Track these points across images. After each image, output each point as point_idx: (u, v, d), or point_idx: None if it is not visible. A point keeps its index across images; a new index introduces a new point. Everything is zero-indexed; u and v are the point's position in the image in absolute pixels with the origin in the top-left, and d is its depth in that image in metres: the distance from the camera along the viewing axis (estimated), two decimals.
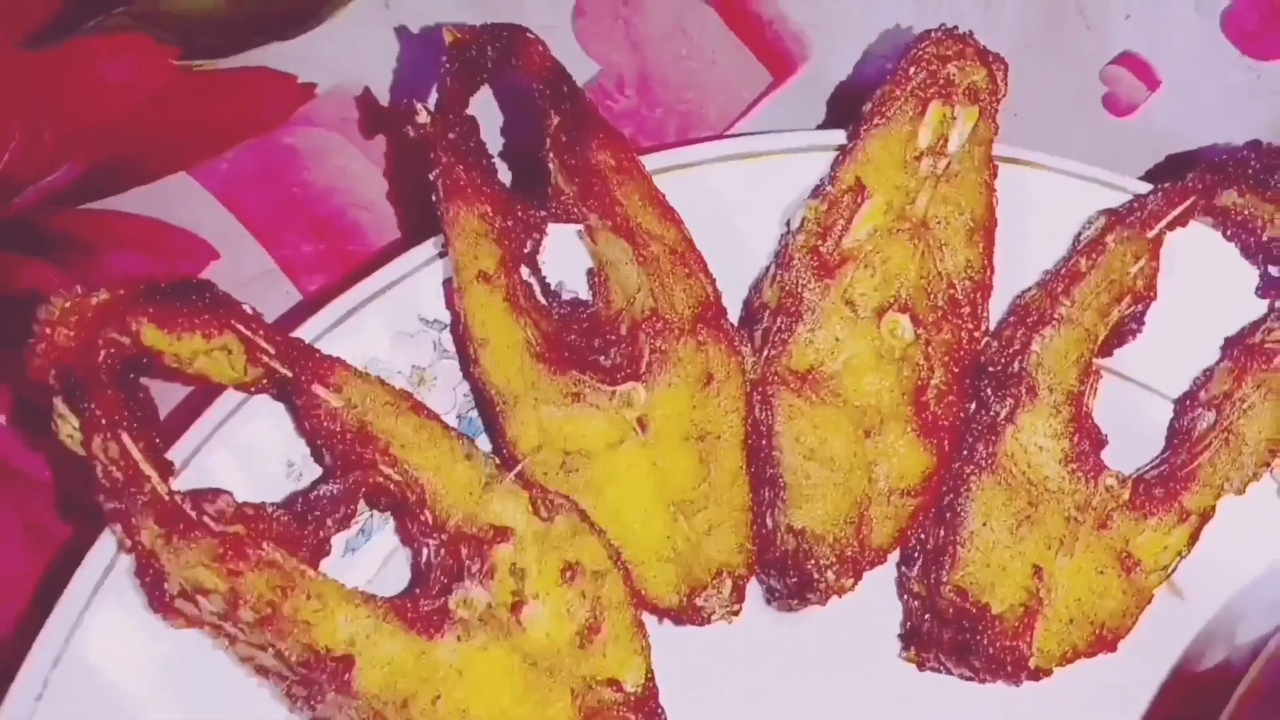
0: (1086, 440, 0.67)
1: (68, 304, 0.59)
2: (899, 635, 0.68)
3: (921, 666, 0.66)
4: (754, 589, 0.67)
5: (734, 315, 0.68)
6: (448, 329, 0.67)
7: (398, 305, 0.66)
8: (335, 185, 0.75)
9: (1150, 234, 0.68)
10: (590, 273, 0.68)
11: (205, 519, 0.59)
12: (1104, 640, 0.65)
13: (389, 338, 0.66)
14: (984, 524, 0.66)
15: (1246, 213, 0.69)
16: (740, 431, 0.66)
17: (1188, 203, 0.68)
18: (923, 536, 0.67)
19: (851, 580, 0.64)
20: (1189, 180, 0.69)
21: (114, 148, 0.74)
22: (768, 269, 0.68)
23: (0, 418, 0.70)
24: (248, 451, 0.63)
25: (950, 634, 0.65)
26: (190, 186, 0.75)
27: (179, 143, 0.75)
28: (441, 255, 0.66)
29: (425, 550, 0.62)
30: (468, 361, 0.65)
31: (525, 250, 0.66)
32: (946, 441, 0.67)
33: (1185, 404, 0.70)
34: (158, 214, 0.73)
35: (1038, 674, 0.64)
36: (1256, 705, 0.60)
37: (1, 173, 0.71)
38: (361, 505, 0.64)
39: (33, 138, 0.74)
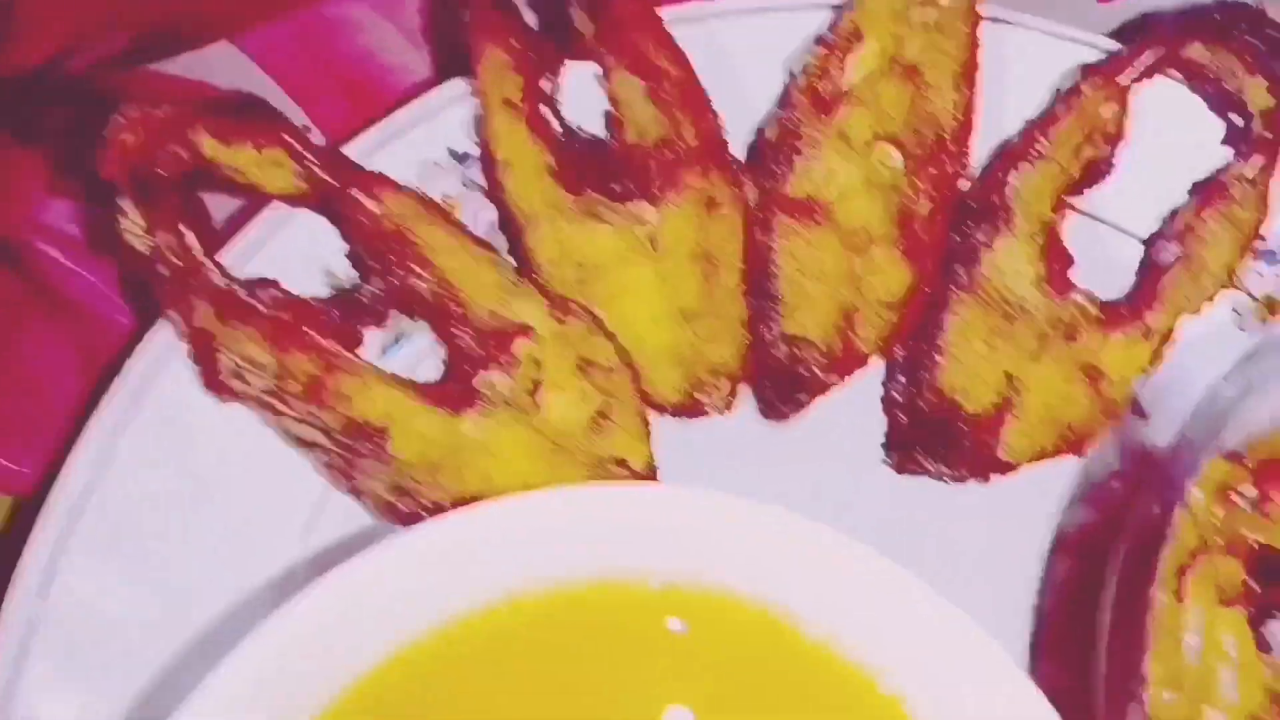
0: (1057, 264, 0.75)
1: (136, 114, 0.69)
2: (881, 444, 0.77)
3: (901, 469, 0.75)
4: (750, 403, 0.76)
5: (740, 155, 0.77)
6: (474, 162, 0.76)
7: (427, 138, 0.76)
8: (371, 52, 0.84)
9: (1121, 81, 0.77)
10: (607, 114, 0.77)
11: (257, 304, 0.69)
12: (1070, 443, 0.74)
13: (419, 167, 0.75)
14: (962, 336, 0.74)
15: (1212, 66, 0.78)
16: (739, 253, 0.75)
17: (1155, 52, 0.77)
18: (906, 352, 0.76)
19: (837, 377, 0.73)
20: (1156, 32, 0.78)
21: (161, 16, 0.83)
22: (771, 112, 0.78)
23: (55, 251, 0.79)
24: (291, 260, 0.73)
25: (927, 432, 0.74)
26: (233, 54, 0.84)
27: (224, 12, 0.84)
28: (469, 94, 0.75)
29: (454, 345, 0.71)
30: (493, 185, 0.75)
31: (545, 87, 0.75)
32: (929, 262, 0.76)
33: (1154, 242, 0.78)
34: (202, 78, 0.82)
35: (1005, 468, 0.73)
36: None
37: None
38: (396, 316, 0.73)
39: (84, 6, 0.83)
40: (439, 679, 0.61)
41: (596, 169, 0.75)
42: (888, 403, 0.77)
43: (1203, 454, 0.57)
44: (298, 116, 0.83)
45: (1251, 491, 0.61)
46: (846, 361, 0.74)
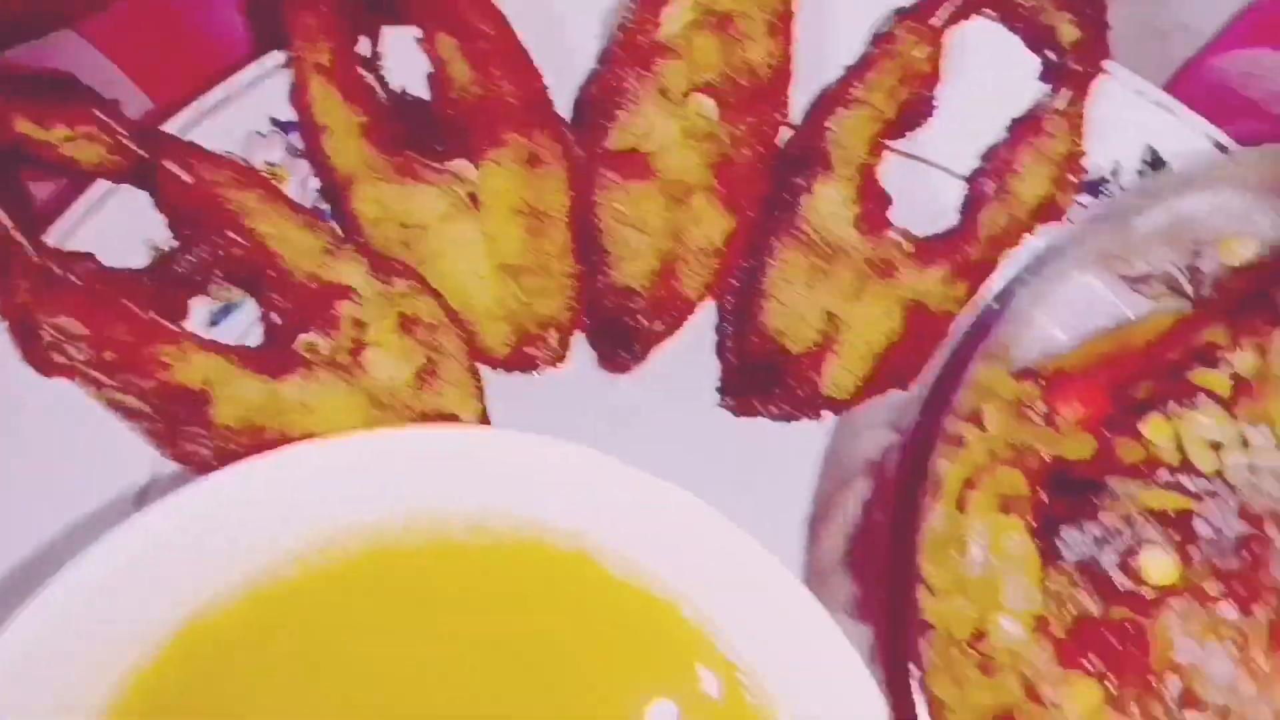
0: (874, 204, 0.77)
1: None
2: (716, 388, 0.78)
3: (738, 412, 0.77)
4: (590, 355, 0.78)
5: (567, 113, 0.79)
6: (297, 130, 0.78)
7: (250, 108, 0.77)
8: (204, 29, 0.85)
9: (934, 23, 0.79)
10: (429, 76, 0.79)
11: (71, 278, 0.70)
12: (894, 377, 0.76)
13: (243, 137, 0.77)
14: (783, 279, 0.76)
15: (1025, 3, 0.80)
16: (566, 209, 0.77)
17: None
18: (733, 298, 0.78)
19: (664, 324, 0.75)
20: None
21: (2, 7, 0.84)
22: (593, 68, 0.79)
23: None
24: (115, 234, 0.74)
25: (757, 374, 0.75)
26: (74, 40, 0.85)
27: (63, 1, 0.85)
28: (288, 65, 0.77)
29: (274, 309, 0.73)
30: (314, 150, 0.76)
31: (364, 51, 0.76)
32: (749, 209, 0.77)
33: (975, 178, 0.81)
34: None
35: (832, 404, 0.75)
36: None
37: None
38: (222, 286, 0.74)
39: None
40: (249, 634, 0.62)
41: (417, 130, 0.76)
42: (720, 348, 0.79)
43: (974, 361, 0.59)
44: (136, 97, 0.84)
45: (1042, 407, 0.63)
46: (672, 309, 0.75)
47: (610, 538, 0.63)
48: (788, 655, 0.61)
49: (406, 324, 0.72)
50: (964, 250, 0.78)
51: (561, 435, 0.74)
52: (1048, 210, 0.78)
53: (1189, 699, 0.58)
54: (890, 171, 0.80)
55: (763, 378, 0.76)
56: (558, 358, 0.75)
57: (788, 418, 0.76)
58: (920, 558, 0.57)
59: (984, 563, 0.60)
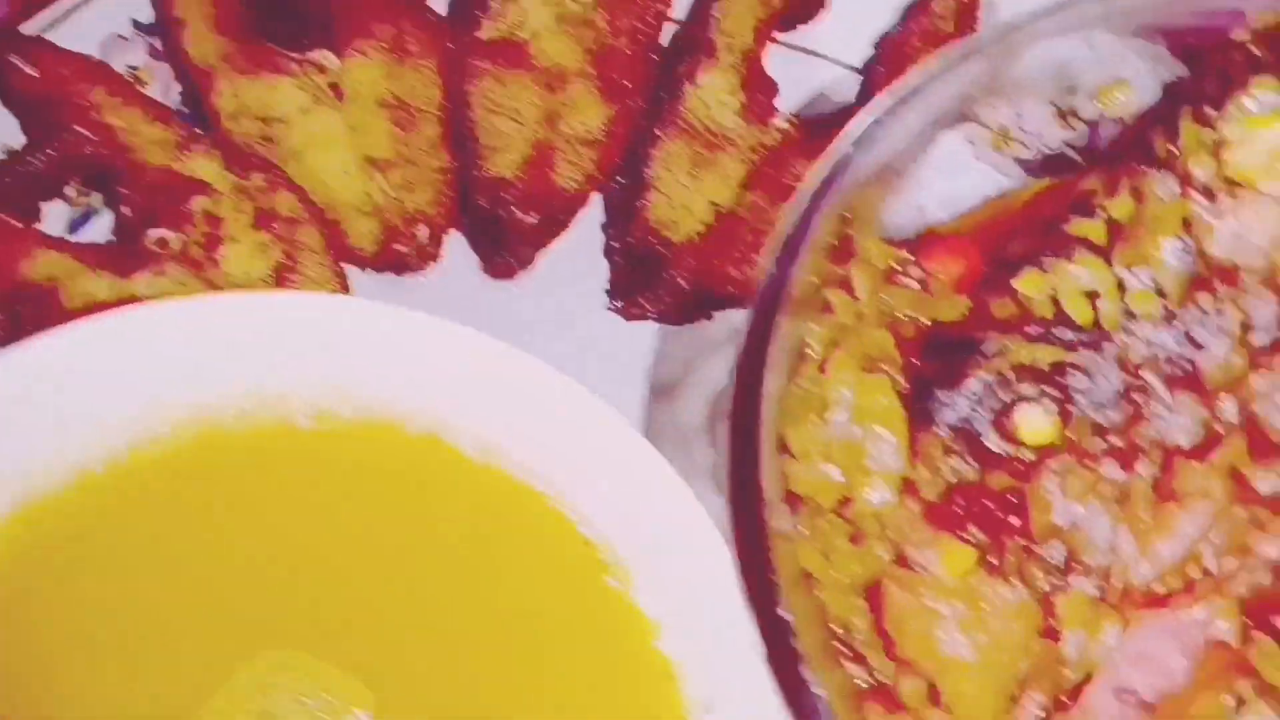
0: (760, 93, 0.75)
1: None
2: (605, 290, 0.75)
3: (626, 316, 0.74)
4: (470, 260, 0.75)
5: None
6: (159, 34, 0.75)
7: (110, 10, 0.74)
8: None
9: None
10: None
11: None
12: None
13: (103, 40, 0.74)
14: (666, 169, 0.73)
15: None
16: (438, 102, 0.74)
17: None
18: (616, 191, 0.75)
19: (537, 217, 0.72)
20: None
21: None
22: None
23: None
24: None
25: (643, 271, 0.73)
26: None
27: None
28: None
29: (127, 204, 0.70)
30: (173, 48, 0.73)
31: None
32: (630, 98, 0.75)
33: (868, 68, 0.78)
34: None
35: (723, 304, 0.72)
36: None
37: None
38: (81, 192, 0.71)
39: None
40: (78, 524, 0.59)
41: (279, 21, 0.73)
42: (606, 248, 0.76)
43: (821, 210, 0.56)
44: None
45: (916, 270, 0.60)
46: (548, 201, 0.73)
47: (464, 417, 0.59)
48: (645, 527, 0.57)
49: (263, 219, 0.69)
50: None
51: None
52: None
53: (1071, 562, 0.55)
54: (781, 66, 0.77)
55: (649, 275, 0.73)
56: (428, 255, 0.72)
57: (676, 320, 0.73)
58: (779, 424, 0.54)
59: (848, 426, 0.56)
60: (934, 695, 0.55)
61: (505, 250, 0.73)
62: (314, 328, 0.58)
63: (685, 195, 0.73)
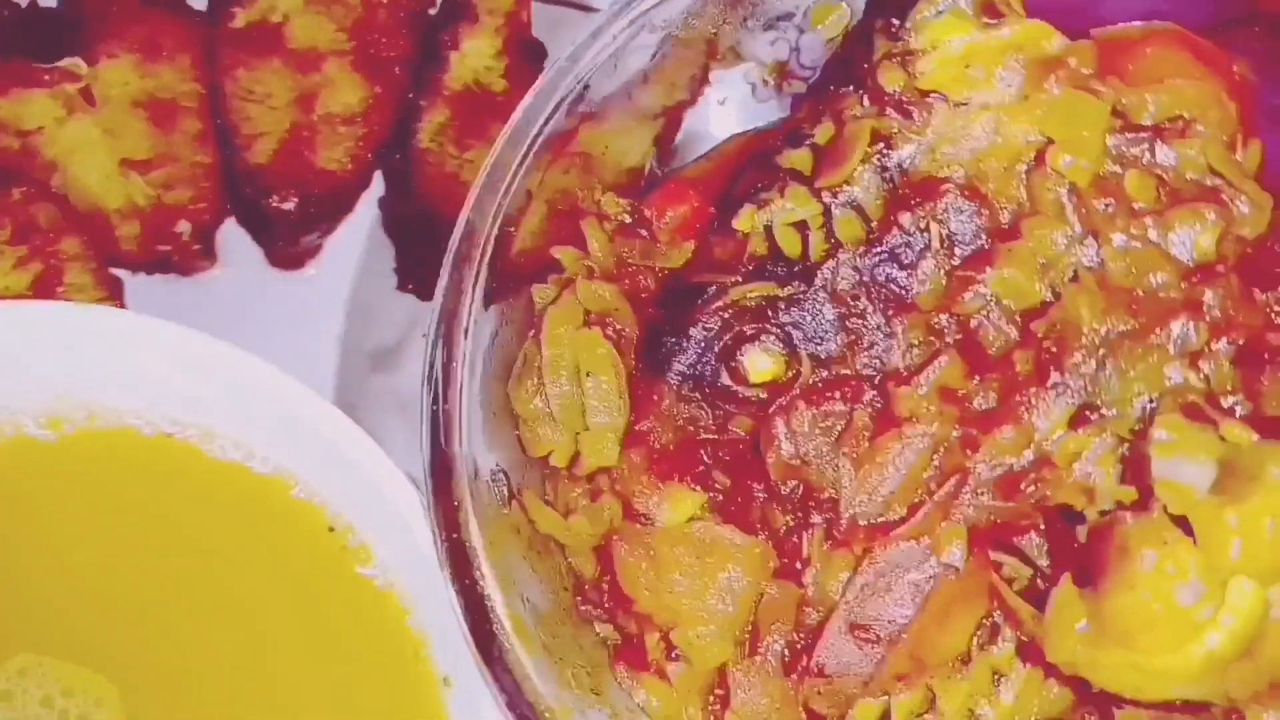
0: (526, 56, 0.74)
1: None
2: (393, 269, 0.75)
3: (420, 295, 0.73)
4: (254, 254, 0.75)
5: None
6: None
7: None
8: None
9: None
10: None
11: None
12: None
13: None
14: (436, 141, 0.73)
15: None
16: (195, 96, 0.74)
17: None
18: (389, 166, 0.75)
19: (296, 200, 0.72)
20: None
21: None
22: None
23: None
24: None
25: (422, 245, 0.72)
26: None
27: None
28: None
29: None
30: None
31: None
32: (391, 72, 0.74)
33: None
34: None
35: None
36: None
37: None
38: None
39: None
40: None
41: (29, 34, 0.74)
42: (387, 226, 0.76)
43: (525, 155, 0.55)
44: None
45: (647, 218, 0.60)
46: (309, 183, 0.72)
47: (196, 416, 0.59)
48: (384, 512, 0.57)
49: (21, 233, 0.69)
50: (635, 97, 0.74)
51: (234, 339, 0.71)
52: (716, 51, 0.74)
53: (807, 500, 0.55)
54: (547, 28, 0.77)
55: (427, 247, 0.73)
56: (194, 254, 0.72)
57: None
58: (503, 388, 0.54)
59: (569, 388, 0.56)
60: (671, 648, 0.55)
61: (281, 239, 0.73)
62: (32, 337, 0.58)
63: (456, 166, 0.73)
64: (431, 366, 0.53)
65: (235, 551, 0.59)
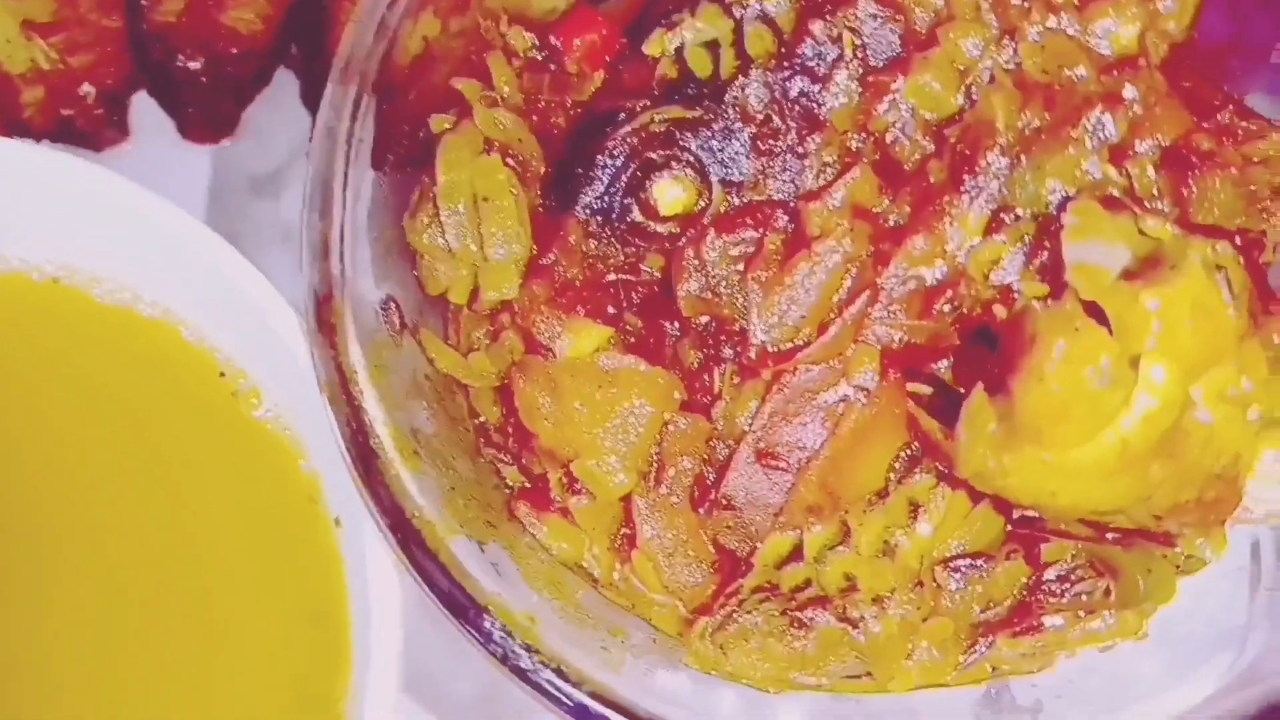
0: None
1: None
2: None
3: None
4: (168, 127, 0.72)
5: None
6: None
7: None
8: None
9: None
10: None
11: None
12: None
13: None
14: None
15: None
16: None
17: None
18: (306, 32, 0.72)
19: (202, 61, 0.70)
20: None
21: None
22: None
23: None
24: None
25: None
26: None
27: None
28: None
29: None
30: None
31: None
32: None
33: None
34: None
35: None
36: None
37: None
38: None
39: None
40: None
41: None
42: (302, 95, 0.74)
43: None
44: None
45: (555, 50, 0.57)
46: (215, 41, 0.70)
47: (87, 260, 0.57)
48: (273, 354, 0.55)
49: None
50: None
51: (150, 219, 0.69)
52: None
53: (719, 333, 0.52)
54: None
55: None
56: (104, 123, 0.70)
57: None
58: (397, 225, 0.52)
59: (467, 217, 0.54)
60: (573, 482, 0.53)
61: (191, 105, 0.70)
62: None
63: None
64: (310, 186, 0.51)
65: (128, 398, 0.57)
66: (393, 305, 0.53)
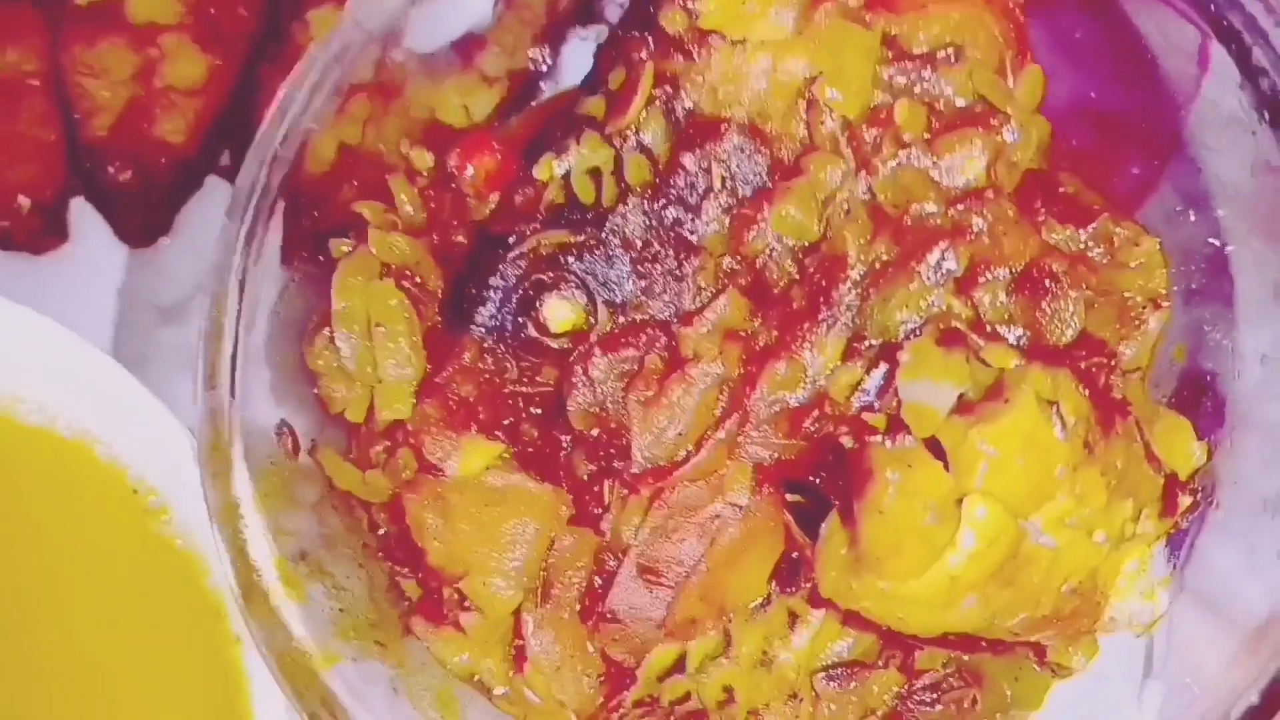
0: None
1: None
2: None
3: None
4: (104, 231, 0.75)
5: None
6: None
7: None
8: None
9: None
10: None
11: None
12: None
13: None
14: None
15: None
16: (40, 74, 0.75)
17: None
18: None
19: (132, 173, 0.72)
20: None
21: None
22: None
23: None
24: None
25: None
26: None
27: None
28: None
29: None
30: None
31: None
32: (234, 48, 0.75)
33: None
34: None
35: None
36: None
37: None
38: None
39: None
40: None
41: None
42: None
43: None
44: None
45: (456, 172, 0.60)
46: (146, 155, 0.73)
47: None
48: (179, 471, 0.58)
49: None
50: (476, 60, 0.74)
51: (90, 320, 0.72)
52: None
53: (609, 446, 0.55)
54: None
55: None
56: (40, 230, 0.72)
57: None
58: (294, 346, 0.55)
59: (361, 341, 0.56)
60: (464, 599, 0.55)
61: (124, 212, 0.73)
62: None
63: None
64: (206, 316, 0.54)
65: (42, 512, 0.59)
66: (286, 430, 0.56)
